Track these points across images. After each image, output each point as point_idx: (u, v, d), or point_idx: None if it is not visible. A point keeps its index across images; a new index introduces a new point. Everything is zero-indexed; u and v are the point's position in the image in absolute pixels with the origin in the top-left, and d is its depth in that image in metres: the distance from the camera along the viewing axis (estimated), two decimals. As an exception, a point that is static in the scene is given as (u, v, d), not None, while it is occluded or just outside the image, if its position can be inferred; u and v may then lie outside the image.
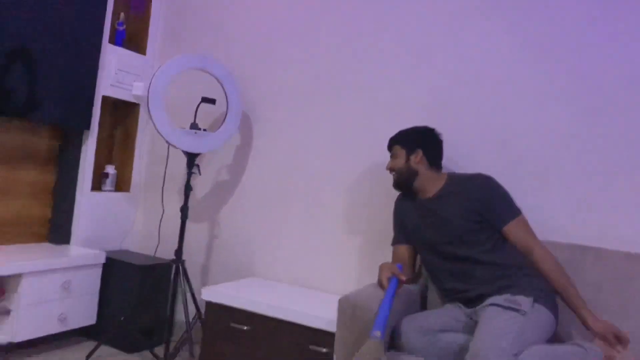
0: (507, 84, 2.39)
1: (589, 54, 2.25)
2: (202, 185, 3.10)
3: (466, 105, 2.46)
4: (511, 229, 2.05)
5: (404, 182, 2.20)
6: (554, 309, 1.93)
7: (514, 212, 2.07)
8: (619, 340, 1.83)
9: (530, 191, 2.32)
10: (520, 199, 2.29)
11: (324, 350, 2.23)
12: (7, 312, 2.45)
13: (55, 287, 2.59)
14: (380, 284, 2.01)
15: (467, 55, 2.47)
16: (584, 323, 1.89)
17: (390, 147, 2.26)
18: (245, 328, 2.42)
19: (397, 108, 2.60)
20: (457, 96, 2.48)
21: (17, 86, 2.52)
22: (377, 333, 1.71)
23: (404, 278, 1.97)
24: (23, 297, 2.46)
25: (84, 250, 2.82)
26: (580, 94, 2.26)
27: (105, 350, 2.76)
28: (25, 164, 2.81)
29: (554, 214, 2.27)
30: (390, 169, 2.23)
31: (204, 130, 2.72)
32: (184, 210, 2.69)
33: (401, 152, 2.20)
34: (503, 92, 2.39)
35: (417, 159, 2.17)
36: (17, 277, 2.45)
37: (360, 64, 2.70)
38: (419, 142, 2.19)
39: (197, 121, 3.06)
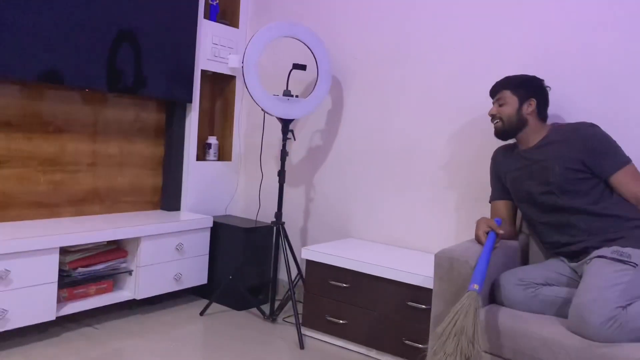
0: (608, 26, 2.23)
1: None
2: (297, 150, 3.19)
3: (565, 52, 2.33)
4: (619, 179, 1.94)
5: (511, 130, 2.11)
6: (668, 262, 1.82)
7: (621, 161, 1.95)
8: None
9: (638, 139, 2.17)
10: (627, 147, 2.15)
11: (423, 306, 2.27)
12: (129, 272, 2.71)
13: (169, 250, 2.82)
14: (477, 238, 2.00)
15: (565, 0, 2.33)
16: None
17: (496, 92, 2.15)
18: (344, 285, 2.50)
19: (491, 61, 2.52)
20: (554, 43, 2.35)
21: (126, 66, 2.72)
22: (475, 286, 1.71)
23: (501, 232, 1.94)
24: (142, 258, 2.70)
25: (193, 215, 3.02)
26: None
27: (216, 307, 2.97)
28: (137, 137, 3.05)
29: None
30: (495, 115, 2.13)
31: (296, 96, 2.79)
32: (281, 174, 2.80)
33: (512, 99, 2.10)
34: (605, 34, 2.24)
35: (530, 109, 2.09)
36: (136, 240, 2.69)
37: (450, 20, 2.63)
38: (534, 90, 2.11)
39: (289, 88, 3.14)
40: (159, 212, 3.08)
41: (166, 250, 2.80)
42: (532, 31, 2.41)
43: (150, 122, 3.10)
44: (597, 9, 2.25)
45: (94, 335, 2.49)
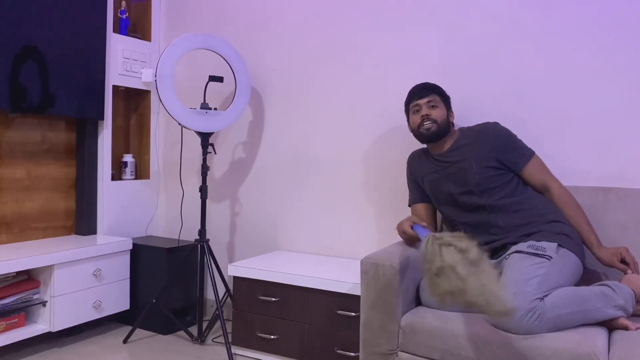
0: (516, 32, 2.33)
1: (597, -9, 2.19)
2: (219, 164, 3.12)
3: (476, 58, 2.42)
4: (529, 170, 2.05)
5: (441, 134, 2.11)
6: (580, 253, 1.91)
7: (528, 153, 2.07)
8: (626, 264, 1.87)
9: (548, 137, 2.28)
10: (539, 146, 2.27)
11: (353, 314, 2.26)
12: (43, 303, 2.53)
13: (86, 276, 2.66)
14: (402, 233, 2.05)
15: (473, 8, 2.42)
16: (595, 256, 1.93)
17: (425, 95, 2.13)
18: (273, 299, 2.45)
19: (407, 68, 2.57)
20: (466, 51, 2.44)
21: (31, 83, 2.56)
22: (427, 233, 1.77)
23: (424, 224, 1.98)
24: (57, 287, 2.53)
25: (111, 238, 2.88)
26: (593, 34, 2.19)
27: (141, 333, 2.83)
28: (45, 159, 2.87)
29: (573, 158, 2.23)
30: (428, 116, 2.10)
31: (215, 109, 2.73)
32: (203, 190, 2.72)
33: (442, 105, 2.15)
34: (513, 41, 2.34)
35: (452, 118, 2.19)
36: (49, 268, 2.52)
37: (366, 28, 2.67)
38: (450, 102, 2.22)
39: (207, 101, 3.07)
40: (74, 237, 2.90)
41: (83, 277, 2.64)
42: (442, 39, 2.48)
43: (59, 142, 2.93)
44: (505, 17, 2.36)
45: (4, 375, 2.30)
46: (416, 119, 2.14)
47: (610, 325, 1.73)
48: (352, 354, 2.26)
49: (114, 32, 3.00)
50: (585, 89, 2.21)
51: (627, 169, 2.14)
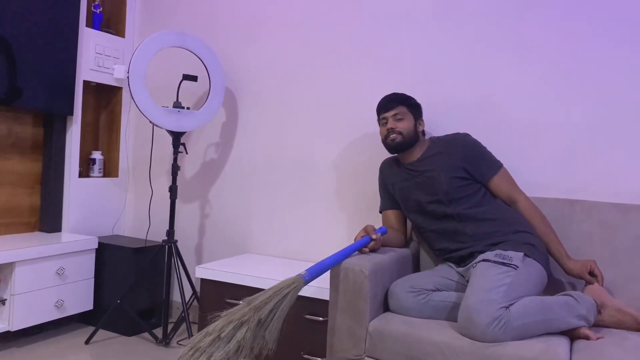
0: (487, 43, 2.37)
1: (570, 7, 2.23)
2: (190, 164, 3.09)
3: (447, 67, 2.45)
4: (496, 182, 2.09)
5: (407, 145, 2.15)
6: (545, 263, 1.94)
7: (496, 165, 2.11)
8: (594, 276, 1.94)
9: (516, 149, 2.31)
10: (507, 157, 2.30)
11: (320, 319, 2.25)
12: (2, 301, 2.45)
13: (49, 275, 2.59)
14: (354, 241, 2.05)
15: (446, 17, 2.45)
16: (563, 268, 1.99)
17: (391, 107, 2.16)
18: (240, 303, 2.42)
19: (380, 75, 2.59)
20: (437, 59, 2.47)
21: (-4, 75, 2.49)
22: (304, 272, 1.76)
23: (374, 237, 1.99)
24: (17, 285, 2.46)
25: (76, 236, 2.81)
26: (562, 48, 2.24)
27: (104, 334, 2.77)
28: (10, 153, 2.79)
29: (540, 170, 2.28)
30: (394, 129, 2.14)
31: (188, 108, 2.70)
32: (173, 190, 2.68)
33: (409, 116, 2.16)
34: (484, 51, 2.38)
35: (421, 128, 2.21)
36: (10, 265, 2.45)
37: (341, 35, 2.68)
38: (421, 110, 2.24)
39: (180, 100, 3.04)
40: (37, 234, 2.83)
41: (45, 276, 2.57)
42: (415, 47, 2.51)
43: (26, 137, 2.86)
44: (477, 28, 2.39)
45: (-42, 374, 2.22)
46: (383, 130, 2.20)
47: (572, 335, 1.76)
48: (318, 358, 2.25)
49: (86, 26, 2.95)
50: (553, 102, 2.26)
51: (593, 182, 2.19)
